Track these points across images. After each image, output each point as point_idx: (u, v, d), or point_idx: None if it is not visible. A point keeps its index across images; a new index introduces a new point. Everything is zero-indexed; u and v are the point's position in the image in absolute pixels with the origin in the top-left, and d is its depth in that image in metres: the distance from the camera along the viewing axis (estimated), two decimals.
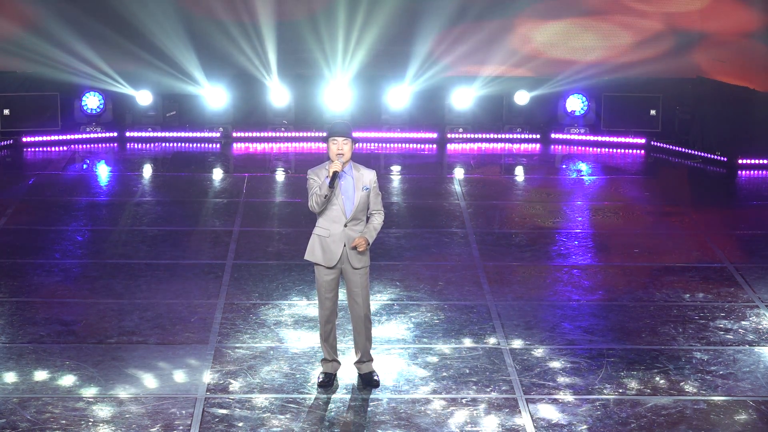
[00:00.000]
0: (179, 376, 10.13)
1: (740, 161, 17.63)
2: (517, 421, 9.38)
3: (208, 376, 10.09)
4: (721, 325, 11.39)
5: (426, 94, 19.23)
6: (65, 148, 18.59)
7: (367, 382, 9.94)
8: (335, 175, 9.57)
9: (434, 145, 18.95)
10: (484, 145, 19.04)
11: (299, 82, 19.22)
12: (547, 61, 18.97)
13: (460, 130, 19.16)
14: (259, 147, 18.89)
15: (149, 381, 10.02)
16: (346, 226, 9.72)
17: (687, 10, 18.64)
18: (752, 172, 17.62)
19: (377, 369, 10.07)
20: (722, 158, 17.78)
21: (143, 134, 19.08)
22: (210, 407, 9.54)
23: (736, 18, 18.28)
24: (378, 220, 9.81)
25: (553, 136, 19.19)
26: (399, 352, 10.69)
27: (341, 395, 9.79)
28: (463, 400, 9.73)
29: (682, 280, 12.66)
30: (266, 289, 12.26)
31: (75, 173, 17.34)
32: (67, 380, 10.00)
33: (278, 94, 19.18)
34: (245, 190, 16.13)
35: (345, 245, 9.72)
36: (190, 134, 19.12)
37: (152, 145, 18.92)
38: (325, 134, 9.78)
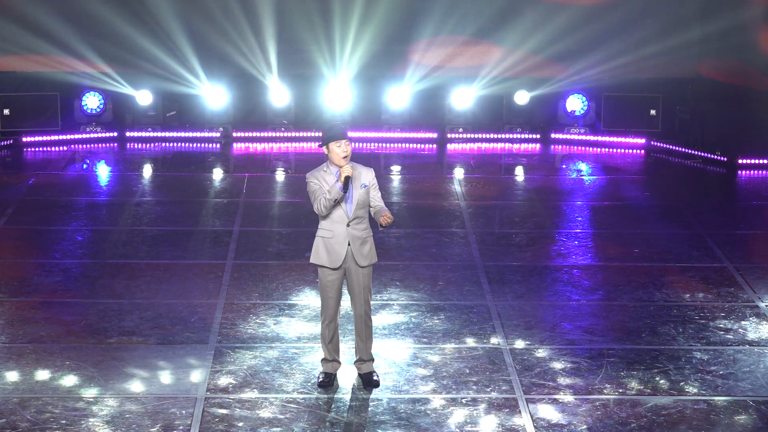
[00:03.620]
0: (179, 376, 10.13)
1: (740, 161, 17.63)
2: (517, 421, 9.39)
3: (208, 376, 10.08)
4: (721, 325, 11.39)
5: (426, 94, 19.23)
6: (65, 148, 18.60)
7: (367, 381, 9.94)
8: (347, 180, 9.57)
9: (434, 145, 18.95)
10: (484, 145, 19.04)
11: (299, 82, 19.22)
12: (547, 60, 18.97)
13: (460, 130, 19.16)
14: (259, 147, 18.89)
15: (149, 381, 10.02)
16: (348, 225, 9.72)
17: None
18: (752, 172, 17.62)
19: (377, 369, 10.07)
20: (722, 158, 17.78)
21: (143, 134, 19.08)
22: (210, 407, 9.54)
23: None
24: (383, 205, 9.79)
25: (553, 136, 19.20)
26: (399, 352, 10.69)
27: (341, 395, 9.79)
28: (463, 400, 9.73)
29: (682, 280, 12.67)
30: (266, 289, 12.26)
31: (75, 173, 17.34)
32: (67, 380, 10.00)
33: (278, 94, 19.18)
34: (245, 190, 16.13)
35: (349, 244, 9.72)
36: (190, 134, 19.12)
37: (152, 145, 18.93)
38: (322, 136, 9.76)
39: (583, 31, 18.72)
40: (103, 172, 17.57)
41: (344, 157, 9.61)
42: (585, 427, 9.30)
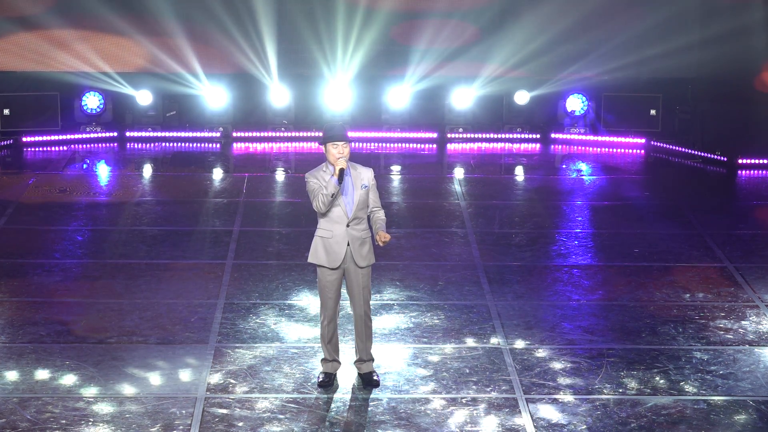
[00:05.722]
0: (179, 376, 10.13)
1: (740, 161, 17.63)
2: (517, 421, 9.38)
3: (208, 376, 10.09)
4: (721, 325, 11.39)
5: (426, 94, 19.23)
6: (65, 148, 18.60)
7: (367, 381, 9.94)
8: (342, 172, 9.58)
9: (434, 145, 18.95)
10: (484, 145, 19.05)
11: (299, 82, 19.23)
12: (547, 60, 18.97)
13: (460, 130, 19.17)
14: (259, 147, 18.89)
15: (149, 381, 10.02)
16: (348, 225, 9.71)
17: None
18: (752, 172, 17.62)
19: (377, 369, 10.07)
20: (722, 158, 17.78)
21: (143, 134, 19.09)
22: (210, 407, 9.54)
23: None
24: (382, 215, 9.83)
25: (553, 136, 19.20)
26: (399, 352, 10.69)
27: (341, 395, 9.79)
28: (463, 400, 9.73)
29: (682, 280, 12.67)
30: (266, 289, 12.26)
31: (75, 173, 17.33)
32: (67, 380, 10.00)
33: (278, 94, 19.19)
34: (245, 190, 16.13)
35: (349, 244, 9.72)
36: (190, 134, 19.12)
37: (152, 145, 18.93)
38: (321, 136, 9.77)
39: (583, 30, 18.72)
40: (103, 172, 17.57)
41: (339, 158, 9.61)
42: (585, 427, 9.31)
